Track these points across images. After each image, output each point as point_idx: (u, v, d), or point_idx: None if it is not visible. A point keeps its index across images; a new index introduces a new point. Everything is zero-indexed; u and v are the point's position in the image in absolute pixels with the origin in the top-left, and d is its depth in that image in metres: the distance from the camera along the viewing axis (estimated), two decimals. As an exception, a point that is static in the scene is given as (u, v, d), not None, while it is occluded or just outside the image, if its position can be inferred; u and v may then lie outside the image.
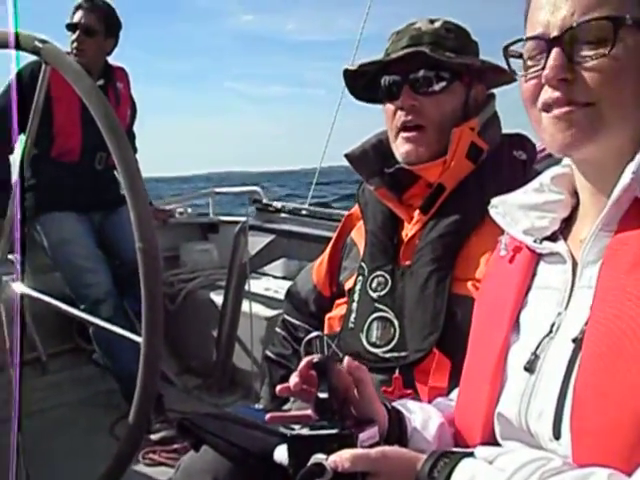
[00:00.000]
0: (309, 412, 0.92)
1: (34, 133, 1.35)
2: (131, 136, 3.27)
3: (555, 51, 0.80)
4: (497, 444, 0.90)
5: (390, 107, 1.36)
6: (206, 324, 3.11)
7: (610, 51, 0.78)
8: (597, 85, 0.79)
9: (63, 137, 2.87)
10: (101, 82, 2.92)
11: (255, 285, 2.98)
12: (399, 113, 1.33)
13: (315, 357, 0.92)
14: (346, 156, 1.44)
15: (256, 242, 3.00)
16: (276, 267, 3.29)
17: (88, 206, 3.01)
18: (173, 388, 3.06)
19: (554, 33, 0.81)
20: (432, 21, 1.36)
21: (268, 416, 0.99)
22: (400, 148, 1.34)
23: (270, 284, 3.14)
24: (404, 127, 1.33)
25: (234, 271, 2.93)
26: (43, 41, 1.27)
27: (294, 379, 0.93)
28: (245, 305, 2.90)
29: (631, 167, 0.78)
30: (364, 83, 1.44)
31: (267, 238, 2.97)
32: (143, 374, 1.21)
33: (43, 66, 1.28)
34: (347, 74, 1.44)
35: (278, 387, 0.96)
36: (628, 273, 0.76)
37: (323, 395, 0.88)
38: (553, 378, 0.81)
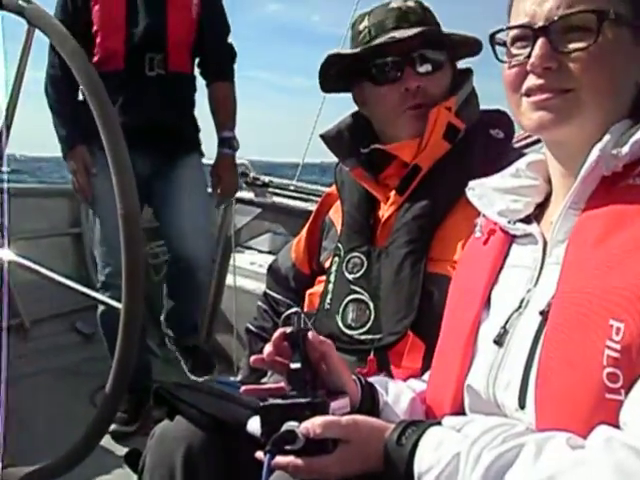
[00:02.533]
0: (283, 384, 0.93)
1: (17, 95, 1.32)
2: (216, 30, 2.58)
3: (541, 40, 0.84)
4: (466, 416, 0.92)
5: (388, 89, 1.32)
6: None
7: (594, 42, 0.82)
8: (579, 73, 0.83)
9: (103, 37, 2.39)
10: None
11: (240, 259, 2.98)
12: (404, 95, 1.30)
13: (288, 328, 0.92)
14: (321, 137, 1.43)
15: (243, 216, 2.99)
16: (262, 241, 3.29)
17: (136, 141, 2.36)
18: (155, 359, 3.07)
19: (540, 23, 0.85)
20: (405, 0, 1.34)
21: (242, 388, 1.00)
22: (407, 126, 1.31)
23: (256, 258, 3.14)
24: (412, 107, 1.31)
25: (220, 244, 2.93)
26: (27, 1, 1.24)
27: (267, 349, 0.95)
28: (230, 279, 2.90)
29: (598, 146, 0.81)
30: (336, 71, 1.40)
31: (254, 212, 2.96)
32: (122, 341, 1.20)
33: (26, 27, 1.26)
34: (328, 62, 1.37)
35: (252, 358, 0.97)
36: (593, 247, 0.79)
37: (295, 365, 0.90)
38: (520, 350, 0.84)
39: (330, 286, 1.36)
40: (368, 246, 1.33)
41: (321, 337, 0.94)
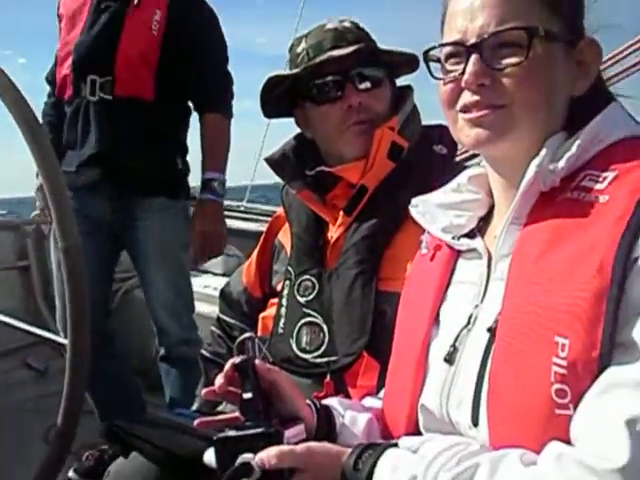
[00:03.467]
0: (237, 414, 0.92)
1: None
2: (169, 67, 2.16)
3: (474, 57, 0.85)
4: (421, 435, 0.92)
5: (331, 108, 1.32)
6: (145, 323, 3.05)
7: (525, 58, 0.83)
8: (512, 89, 0.84)
9: (59, 63, 2.24)
10: None
11: (194, 282, 2.95)
12: (347, 112, 1.31)
13: (237, 358, 0.92)
14: (266, 160, 1.42)
15: None
16: (215, 264, 3.26)
17: (90, 179, 2.17)
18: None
19: (472, 40, 0.85)
20: (341, 20, 1.37)
21: (196, 422, 0.99)
22: (353, 142, 1.32)
23: (210, 281, 3.12)
24: (355, 123, 1.31)
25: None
26: None
27: (219, 381, 0.94)
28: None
29: (535, 162, 0.83)
30: (277, 95, 1.40)
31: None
32: (70, 377, 1.17)
33: None
34: (269, 84, 1.38)
35: (203, 391, 0.96)
36: (535, 262, 0.80)
37: (247, 396, 0.89)
38: (471, 368, 0.85)
39: (283, 310, 1.35)
40: (318, 268, 1.33)
41: (268, 365, 0.94)
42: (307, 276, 1.33)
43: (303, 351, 1.28)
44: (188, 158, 2.35)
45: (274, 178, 1.48)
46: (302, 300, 1.32)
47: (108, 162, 2.16)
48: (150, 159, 2.19)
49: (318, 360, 1.26)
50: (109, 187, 2.19)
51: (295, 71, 1.35)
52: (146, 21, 2.14)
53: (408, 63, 1.36)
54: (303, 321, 1.30)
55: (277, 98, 1.41)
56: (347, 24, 1.35)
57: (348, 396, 1.20)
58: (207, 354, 1.59)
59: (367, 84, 1.31)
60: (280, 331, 1.33)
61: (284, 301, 1.35)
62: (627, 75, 2.10)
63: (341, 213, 1.33)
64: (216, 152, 2.25)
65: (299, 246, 1.38)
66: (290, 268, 1.37)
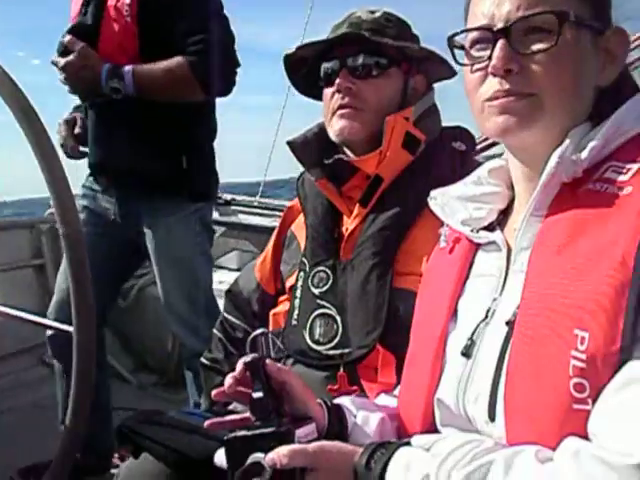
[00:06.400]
0: (248, 414, 0.91)
1: None
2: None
3: (501, 42, 0.83)
4: (438, 432, 0.90)
5: (328, 92, 1.34)
6: (160, 319, 3.06)
7: (555, 44, 0.81)
8: (540, 76, 0.82)
9: None
10: None
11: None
12: (336, 96, 1.31)
13: (248, 357, 0.90)
14: (288, 143, 1.41)
15: None
16: (229, 259, 3.26)
17: (101, 186, 2.12)
18: (129, 386, 3.02)
19: (499, 25, 0.83)
20: (372, 11, 1.35)
21: (207, 423, 0.98)
22: (335, 126, 1.31)
23: (223, 277, 3.11)
24: (340, 107, 1.31)
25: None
26: None
27: (228, 381, 0.92)
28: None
29: (557, 152, 0.80)
30: (305, 72, 1.41)
31: (218, 230, 2.94)
32: (77, 365, 1.14)
33: None
34: (287, 61, 1.41)
35: (213, 392, 0.95)
36: (556, 255, 0.78)
37: (257, 395, 0.88)
38: (488, 361, 0.83)
39: (296, 302, 1.33)
40: (333, 260, 1.31)
41: (278, 365, 0.92)
42: (321, 267, 1.31)
43: (316, 343, 1.27)
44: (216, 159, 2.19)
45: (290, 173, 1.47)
46: (316, 291, 1.30)
47: (107, 169, 2.10)
48: (147, 160, 2.01)
49: (331, 352, 1.25)
50: (116, 191, 2.12)
51: (304, 52, 1.36)
52: (119, 8, 1.96)
53: (437, 63, 1.32)
54: (317, 313, 1.29)
55: (305, 76, 1.42)
56: (374, 14, 1.34)
57: (362, 390, 1.19)
58: (206, 362, 1.55)
59: (362, 71, 1.30)
60: (294, 323, 1.32)
61: (298, 293, 1.34)
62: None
63: (357, 205, 1.32)
64: (150, 69, 1.96)
65: (314, 237, 1.36)
66: (304, 259, 1.35)
